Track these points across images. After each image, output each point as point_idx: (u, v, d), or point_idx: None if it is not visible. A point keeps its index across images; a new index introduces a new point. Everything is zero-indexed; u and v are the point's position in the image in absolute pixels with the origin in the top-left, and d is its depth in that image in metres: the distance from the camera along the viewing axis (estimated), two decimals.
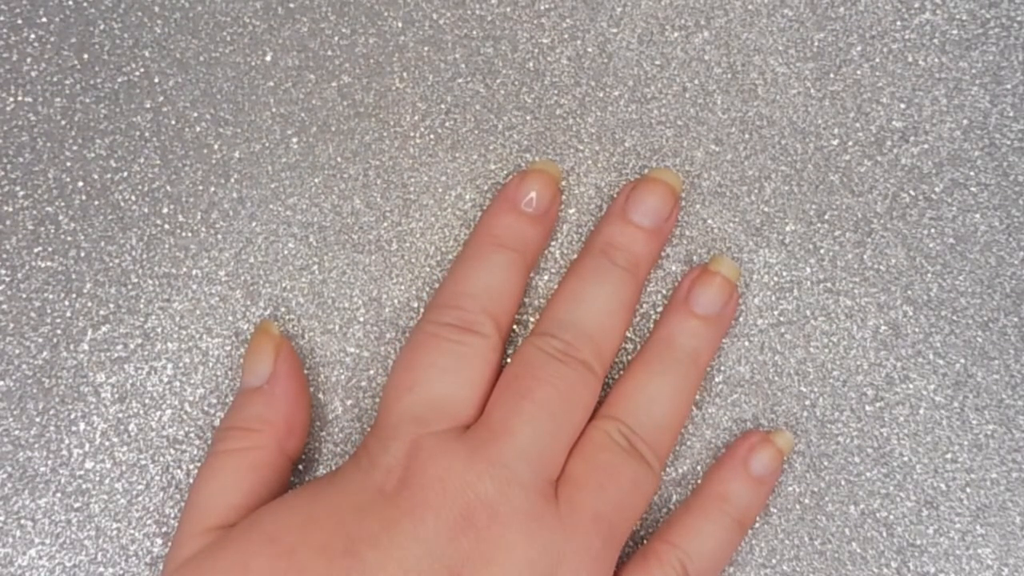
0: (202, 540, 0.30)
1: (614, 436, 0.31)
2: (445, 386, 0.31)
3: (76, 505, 0.34)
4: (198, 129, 0.35)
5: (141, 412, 0.34)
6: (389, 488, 0.29)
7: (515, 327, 0.34)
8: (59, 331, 0.34)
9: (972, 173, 0.36)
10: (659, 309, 0.35)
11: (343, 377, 0.35)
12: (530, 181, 0.34)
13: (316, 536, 0.29)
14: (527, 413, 0.30)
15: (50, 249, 0.35)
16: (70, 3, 0.35)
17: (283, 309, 0.35)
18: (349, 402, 0.35)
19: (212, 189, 0.35)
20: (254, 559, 0.28)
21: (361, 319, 0.35)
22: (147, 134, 0.35)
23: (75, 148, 0.35)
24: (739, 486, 0.33)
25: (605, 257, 0.33)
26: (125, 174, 0.35)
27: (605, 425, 0.32)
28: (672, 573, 0.31)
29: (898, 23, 0.36)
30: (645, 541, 0.34)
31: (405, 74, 0.35)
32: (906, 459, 0.35)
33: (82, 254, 0.35)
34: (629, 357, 0.35)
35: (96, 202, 0.35)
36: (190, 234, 0.35)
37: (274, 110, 0.35)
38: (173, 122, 0.35)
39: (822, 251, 0.35)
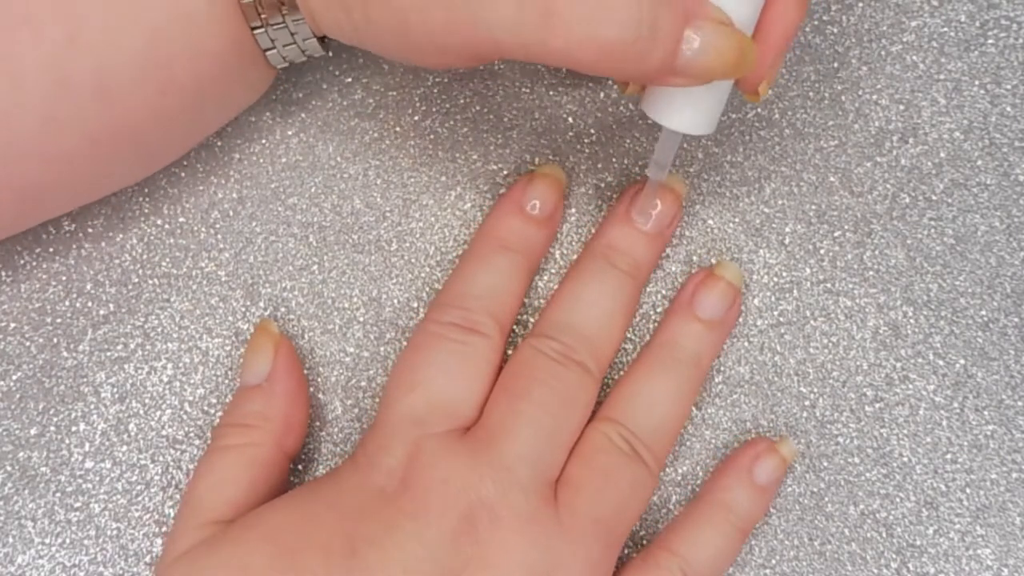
0: (198, 534, 0.30)
1: (614, 439, 0.31)
2: (446, 386, 0.31)
3: (76, 505, 0.34)
4: None
5: (141, 412, 0.34)
6: (391, 489, 0.29)
7: (515, 327, 0.34)
8: (59, 331, 0.34)
9: (972, 173, 0.36)
10: (659, 310, 0.35)
11: (343, 377, 0.35)
12: (535, 185, 0.34)
13: (317, 536, 0.29)
14: (525, 414, 0.30)
15: (50, 249, 0.35)
16: None
17: (283, 309, 0.35)
18: (349, 402, 0.35)
19: (212, 189, 0.35)
20: (253, 557, 0.28)
21: (361, 319, 0.35)
22: None
23: None
24: (742, 494, 0.33)
25: (606, 260, 0.33)
26: None
27: (605, 428, 0.32)
28: None
29: (896, 25, 0.36)
30: (645, 542, 0.34)
31: (406, 74, 0.35)
32: (906, 459, 0.35)
33: (82, 254, 0.35)
34: (630, 359, 0.35)
35: (96, 202, 0.35)
36: (190, 234, 0.35)
37: (274, 110, 0.35)
38: None
39: (822, 251, 0.35)
